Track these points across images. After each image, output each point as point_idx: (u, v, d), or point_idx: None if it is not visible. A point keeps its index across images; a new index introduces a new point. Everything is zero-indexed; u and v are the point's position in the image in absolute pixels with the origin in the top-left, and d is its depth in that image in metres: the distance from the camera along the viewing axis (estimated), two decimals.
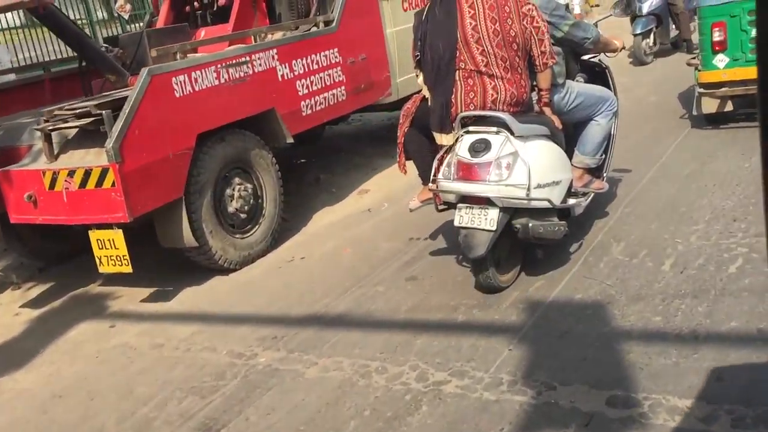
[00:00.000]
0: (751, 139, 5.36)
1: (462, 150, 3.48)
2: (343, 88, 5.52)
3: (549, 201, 3.47)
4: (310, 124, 5.32)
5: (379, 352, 3.23)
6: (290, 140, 5.04)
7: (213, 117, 4.38)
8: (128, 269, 4.00)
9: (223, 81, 4.43)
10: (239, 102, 4.59)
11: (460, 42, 3.51)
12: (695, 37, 6.55)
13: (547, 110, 3.73)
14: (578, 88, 3.96)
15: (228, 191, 4.59)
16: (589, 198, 3.97)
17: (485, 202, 3.39)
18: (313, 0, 6.01)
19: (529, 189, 3.36)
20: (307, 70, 5.15)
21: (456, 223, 3.47)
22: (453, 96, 3.56)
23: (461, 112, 3.56)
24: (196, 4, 5.94)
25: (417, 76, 3.91)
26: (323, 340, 3.45)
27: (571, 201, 3.78)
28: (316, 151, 7.60)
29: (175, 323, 3.98)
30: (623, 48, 4.31)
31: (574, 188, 3.90)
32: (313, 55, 5.23)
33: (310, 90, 5.18)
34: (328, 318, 3.70)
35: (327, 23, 5.48)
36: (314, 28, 5.48)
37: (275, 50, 4.86)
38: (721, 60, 5.48)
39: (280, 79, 4.91)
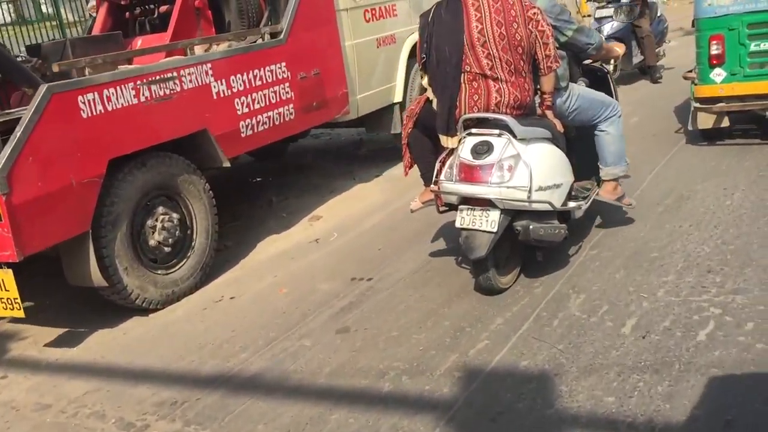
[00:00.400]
0: (738, 164, 4.90)
1: (464, 152, 3.51)
2: (291, 106, 5.05)
3: (550, 203, 3.49)
4: (251, 146, 4.85)
5: (286, 430, 2.75)
6: (226, 164, 4.55)
7: (129, 140, 3.90)
8: (20, 314, 3.51)
9: (143, 99, 3.95)
10: (163, 123, 4.11)
11: (466, 45, 3.52)
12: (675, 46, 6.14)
13: (549, 113, 3.73)
14: (580, 92, 3.93)
15: (150, 222, 4.10)
16: (590, 201, 3.95)
17: (486, 203, 3.43)
18: (265, 8, 5.55)
19: (530, 191, 3.39)
20: (248, 86, 4.67)
21: (457, 225, 3.51)
22: (458, 99, 3.58)
23: (465, 114, 3.58)
24: (137, 10, 5.46)
25: (422, 77, 3.91)
26: (227, 409, 2.97)
27: (572, 204, 3.79)
28: (277, 168, 7.13)
29: (71, 377, 3.49)
30: (625, 54, 4.15)
31: (608, 199, 4.04)
32: (256, 70, 4.75)
33: (252, 108, 4.70)
34: (240, 379, 3.21)
35: (274, 35, 5.01)
36: (260, 40, 5.01)
37: (209, 65, 4.38)
38: (718, 74, 5.28)
39: (214, 96, 4.43)
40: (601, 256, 3.92)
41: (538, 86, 3.70)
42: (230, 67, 4.56)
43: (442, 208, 3.87)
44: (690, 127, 5.68)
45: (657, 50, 8.68)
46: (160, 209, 4.16)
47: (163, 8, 5.35)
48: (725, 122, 5.47)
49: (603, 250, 4.00)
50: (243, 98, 4.65)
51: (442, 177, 3.61)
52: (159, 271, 4.15)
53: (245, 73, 4.67)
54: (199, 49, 5.03)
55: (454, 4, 3.58)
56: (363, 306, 3.78)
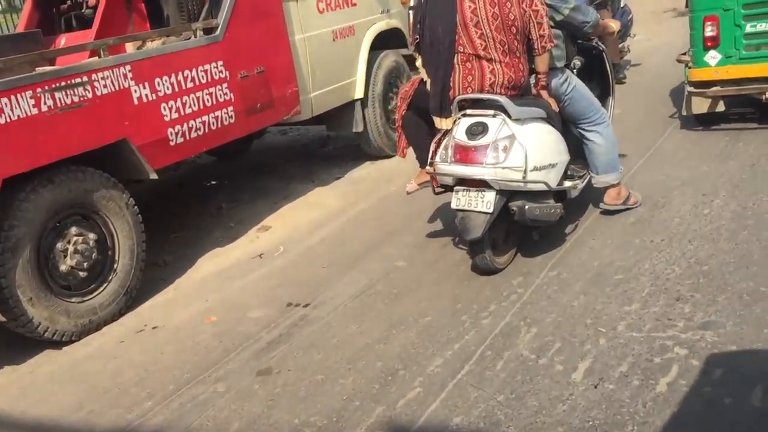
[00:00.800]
0: (722, 165, 4.46)
1: (459, 133, 3.50)
2: (230, 108, 4.60)
3: (545, 183, 3.49)
4: (184, 155, 4.40)
5: None
6: (153, 176, 4.12)
7: (28, 156, 3.47)
8: None
9: (45, 109, 3.51)
10: (72, 134, 3.67)
11: (459, 26, 3.48)
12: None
13: (544, 93, 3.69)
14: (577, 82, 3.91)
15: (60, 245, 3.68)
16: (585, 180, 3.95)
17: (482, 184, 3.43)
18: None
19: (525, 172, 3.38)
20: (177, 89, 4.22)
21: (453, 206, 3.51)
22: (451, 79, 3.55)
23: (459, 95, 3.55)
24: (65, 4, 5.00)
25: (416, 58, 3.90)
26: None
27: (567, 183, 3.77)
28: (234, 170, 6.70)
29: None
30: (619, 31, 4.27)
31: (613, 206, 4.05)
32: (187, 71, 4.29)
33: (182, 114, 4.25)
34: None
35: (208, 31, 4.55)
36: (193, 37, 4.55)
37: (128, 67, 3.93)
38: (713, 57, 5.08)
39: (136, 102, 3.98)
40: (561, 279, 3.50)
41: (533, 66, 3.65)
42: (155, 69, 4.11)
43: (438, 190, 3.83)
44: (684, 113, 5.46)
45: (620, 45, 7.64)
46: (73, 230, 3.74)
47: (93, 1, 4.88)
48: (720, 107, 5.22)
49: (564, 269, 3.58)
50: (171, 102, 4.20)
51: (437, 158, 3.59)
52: (73, 299, 3.74)
53: (174, 75, 4.21)
54: (130, 47, 4.59)
55: None
56: (293, 340, 3.37)
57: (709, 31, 5.06)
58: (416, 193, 5.19)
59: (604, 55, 4.29)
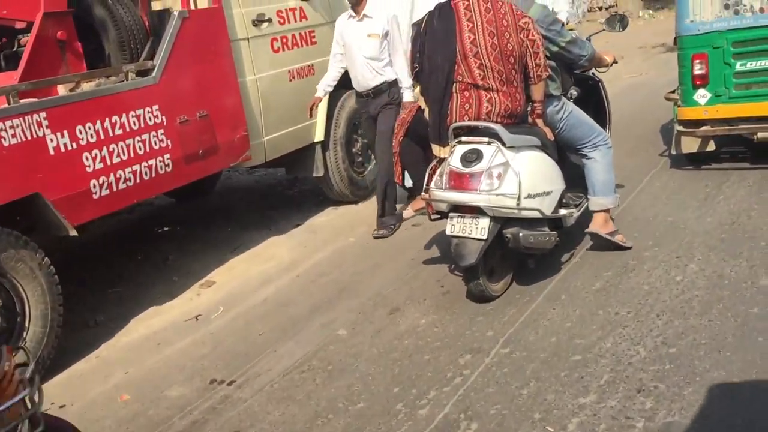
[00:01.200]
0: (701, 218, 4.08)
1: (454, 160, 3.53)
2: (167, 156, 4.24)
3: (539, 211, 3.51)
4: (110, 208, 4.02)
5: None
6: (73, 233, 3.75)
7: None
8: None
9: None
10: None
11: (458, 56, 3.54)
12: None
13: (539, 122, 3.72)
14: (573, 109, 3.92)
15: None
16: (582, 209, 3.95)
17: (476, 211, 3.44)
18: (149, 37, 4.76)
19: (519, 199, 3.40)
20: (103, 137, 3.87)
21: (448, 232, 3.53)
22: (449, 108, 3.60)
23: (456, 122, 3.59)
24: None
25: (415, 86, 4.13)
26: None
27: (563, 211, 3.78)
28: (191, 213, 6.33)
29: None
30: (615, 62, 4.26)
31: (600, 232, 3.96)
32: (116, 117, 3.95)
33: (108, 164, 3.89)
34: None
35: (143, 72, 4.21)
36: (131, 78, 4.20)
37: (43, 114, 3.58)
38: (702, 96, 4.92)
39: (51, 152, 3.62)
40: (513, 358, 3.11)
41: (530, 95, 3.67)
42: (76, 115, 3.76)
43: (433, 216, 3.82)
44: (674, 152, 5.30)
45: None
46: None
47: (24, 39, 4.54)
48: (711, 146, 5.03)
49: (517, 347, 3.20)
50: (96, 151, 3.84)
51: (432, 185, 3.61)
52: None
53: (100, 121, 3.86)
54: (62, 89, 4.24)
55: (446, 14, 3.59)
56: (207, 428, 2.97)
57: (698, 70, 4.89)
58: (375, 244, 4.86)
59: (601, 86, 4.33)
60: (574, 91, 4.08)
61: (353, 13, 4.90)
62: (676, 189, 4.95)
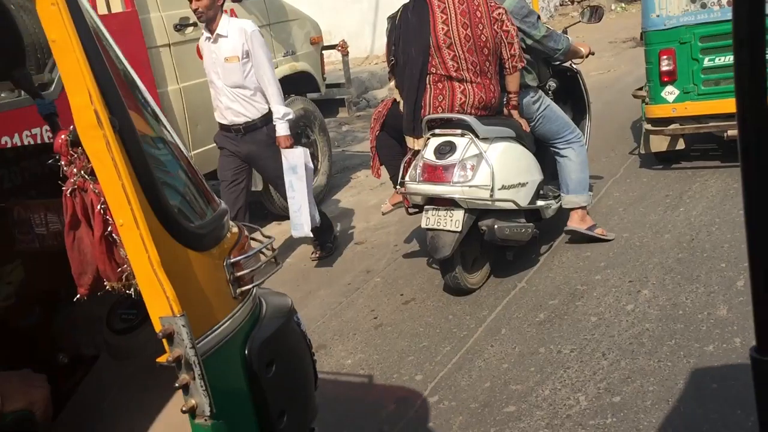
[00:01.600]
0: (656, 238, 3.73)
1: (428, 152, 3.52)
2: None
3: (514, 202, 3.49)
4: None
5: None
6: None
7: None
8: None
9: None
10: None
11: (432, 47, 3.52)
12: None
13: (514, 113, 3.70)
14: (550, 103, 3.91)
15: None
16: (560, 201, 3.92)
17: (450, 203, 3.42)
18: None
19: (493, 190, 3.39)
20: None
21: (423, 225, 3.51)
22: (423, 100, 3.58)
23: (429, 115, 3.56)
24: None
25: (390, 80, 4.05)
26: None
27: (540, 203, 3.75)
28: None
29: None
30: (591, 54, 4.24)
31: (578, 229, 3.95)
32: (6, 137, 3.55)
33: None
34: None
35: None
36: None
37: None
38: (670, 93, 4.73)
39: None
40: (440, 409, 2.75)
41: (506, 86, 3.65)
42: None
43: (411, 210, 3.80)
44: (642, 151, 5.14)
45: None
46: None
47: None
48: (680, 144, 4.86)
49: (447, 395, 2.84)
50: None
51: (407, 178, 3.59)
52: None
53: None
54: None
55: (420, 6, 3.56)
56: None
57: (666, 66, 4.70)
58: (311, 266, 4.54)
59: (579, 77, 4.31)
60: (552, 83, 4.07)
61: (207, 33, 4.02)
62: (636, 198, 4.62)
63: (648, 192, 4.71)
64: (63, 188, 1.16)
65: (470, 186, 3.37)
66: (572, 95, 4.38)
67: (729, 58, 4.53)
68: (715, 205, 4.26)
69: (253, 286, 1.20)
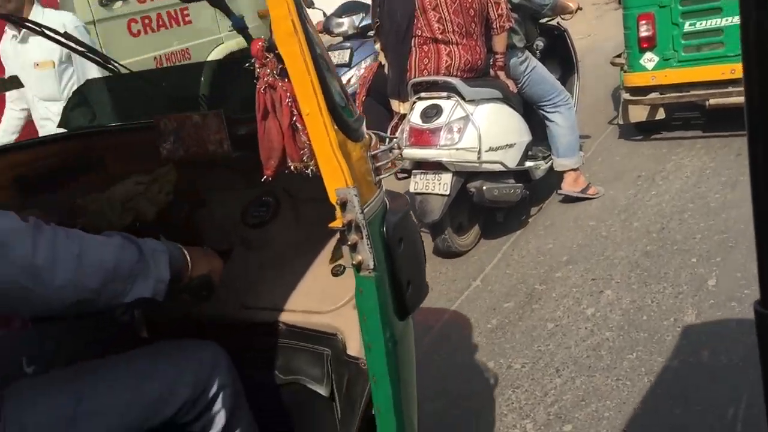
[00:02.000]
0: (627, 223, 3.42)
1: (414, 116, 3.49)
2: None
3: (502, 164, 3.47)
4: None
5: None
6: None
7: None
8: None
9: None
10: None
11: (417, 10, 3.47)
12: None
13: (501, 74, 3.66)
14: (537, 64, 3.85)
15: None
16: (550, 162, 3.87)
17: (438, 166, 3.40)
18: None
19: (480, 152, 3.36)
20: None
21: (411, 189, 3.47)
22: (408, 63, 3.55)
23: (415, 78, 3.52)
24: None
25: (375, 42, 3.97)
26: None
27: (529, 164, 3.71)
28: None
29: None
30: (579, 9, 4.11)
31: (571, 192, 3.96)
32: None
33: None
34: None
35: None
36: None
37: None
38: (649, 60, 4.48)
39: None
40: None
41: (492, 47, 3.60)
42: None
43: (400, 175, 3.77)
44: (621, 121, 4.89)
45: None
46: None
47: None
48: (660, 114, 4.63)
49: None
50: None
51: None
52: None
53: None
54: None
55: None
56: None
57: (644, 31, 4.43)
58: None
59: (567, 35, 4.26)
60: (540, 42, 4.02)
61: (13, 30, 3.20)
62: (608, 178, 4.30)
63: (621, 171, 4.39)
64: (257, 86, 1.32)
65: (457, 149, 3.34)
66: (560, 54, 4.30)
67: (711, 23, 4.28)
68: (689, 187, 3.94)
69: (385, 176, 1.39)
